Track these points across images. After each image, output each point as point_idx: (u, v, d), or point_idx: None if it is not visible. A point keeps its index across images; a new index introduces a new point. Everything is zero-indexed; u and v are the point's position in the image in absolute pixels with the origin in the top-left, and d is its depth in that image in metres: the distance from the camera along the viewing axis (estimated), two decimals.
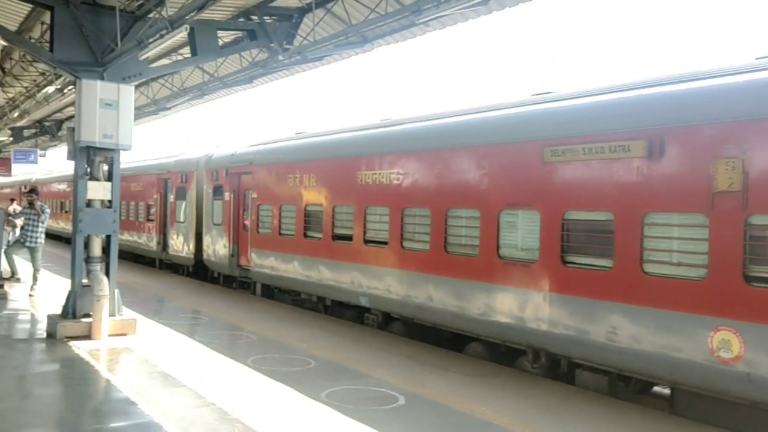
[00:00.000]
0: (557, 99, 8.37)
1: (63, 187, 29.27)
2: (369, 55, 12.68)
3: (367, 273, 10.90)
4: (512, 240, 8.42)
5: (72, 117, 22.69)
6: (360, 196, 11.24)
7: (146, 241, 20.84)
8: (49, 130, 22.37)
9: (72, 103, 18.14)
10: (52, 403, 6.40)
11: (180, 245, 18.55)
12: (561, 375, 7.82)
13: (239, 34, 10.37)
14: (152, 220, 20.44)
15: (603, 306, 7.10)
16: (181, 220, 18.47)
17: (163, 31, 7.36)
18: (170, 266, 19.73)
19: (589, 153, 7.34)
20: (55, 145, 28.52)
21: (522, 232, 8.31)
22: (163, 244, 19.73)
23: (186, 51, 9.59)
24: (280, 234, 13.66)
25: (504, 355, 8.70)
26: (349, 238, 11.52)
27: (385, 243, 10.59)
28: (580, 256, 7.52)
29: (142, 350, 8.43)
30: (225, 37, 10.04)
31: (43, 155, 26.54)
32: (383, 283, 10.49)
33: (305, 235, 12.80)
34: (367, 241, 11.06)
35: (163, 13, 7.56)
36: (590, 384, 7.47)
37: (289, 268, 13.21)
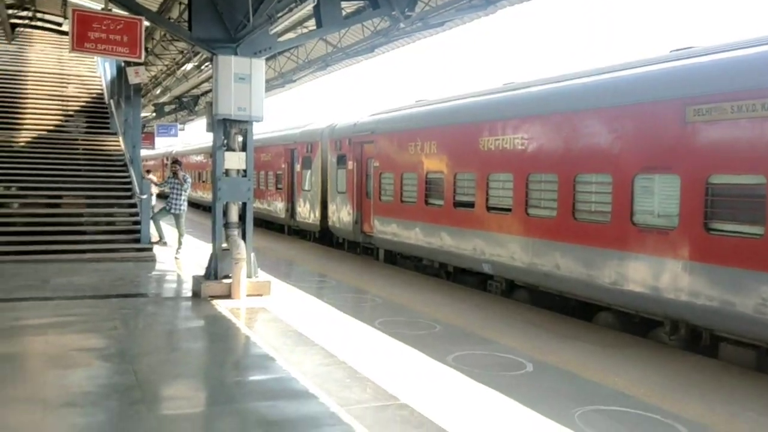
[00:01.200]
0: (700, 54, 7.72)
1: (200, 158, 31.32)
2: (492, 18, 12.35)
3: (490, 240, 10.79)
4: (648, 206, 7.97)
5: (207, 92, 24.16)
6: (482, 162, 11.09)
7: (275, 208, 21.89)
8: (187, 105, 23.96)
9: (207, 79, 19.30)
10: (198, 356, 6.94)
11: (306, 212, 19.31)
12: (703, 348, 7.37)
13: (361, 3, 10.46)
14: (281, 189, 21.41)
15: (752, 276, 6.57)
16: (307, 188, 19.18)
17: (292, 5, 7.57)
18: (297, 232, 20.64)
19: (739, 111, 6.73)
20: (192, 119, 30.55)
21: (659, 198, 7.83)
22: (291, 211, 20.63)
23: (311, 24, 9.83)
24: (401, 201, 13.82)
25: (637, 325, 8.33)
26: (471, 205, 11.43)
27: (509, 210, 10.40)
28: (727, 223, 6.98)
29: (276, 310, 8.91)
30: (348, 7, 10.18)
31: (182, 129, 28.49)
32: (507, 251, 10.35)
33: (426, 203, 12.86)
34: (489, 208, 10.92)
35: None
36: (736, 358, 6.98)
37: (411, 235, 13.36)
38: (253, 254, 9.92)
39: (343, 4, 9.74)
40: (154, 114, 25.41)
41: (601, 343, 7.86)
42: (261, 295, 9.71)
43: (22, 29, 16.55)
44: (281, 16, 8.03)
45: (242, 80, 9.11)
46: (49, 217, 13.37)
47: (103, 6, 9.05)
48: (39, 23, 15.82)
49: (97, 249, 12.85)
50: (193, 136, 39.00)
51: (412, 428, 4.72)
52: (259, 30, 8.68)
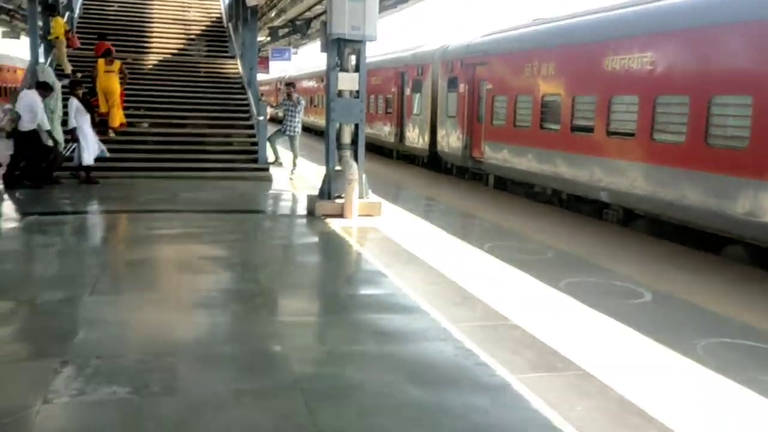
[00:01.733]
0: None
1: (311, 83, 31.78)
2: None
3: (609, 167, 10.27)
4: None
5: (320, 15, 24.16)
6: (604, 84, 10.42)
7: (384, 133, 21.95)
8: (299, 28, 24.14)
9: (319, 2, 19.26)
10: (314, 270, 7.24)
11: (415, 137, 19.22)
12: None
13: None
14: (390, 113, 21.37)
15: None
16: (417, 112, 19.01)
17: None
18: (405, 157, 20.67)
19: None
20: (305, 44, 30.81)
21: None
22: (400, 136, 20.61)
23: None
24: (514, 126, 13.39)
25: None
26: (589, 130, 10.87)
27: (632, 135, 9.79)
28: None
29: (386, 230, 9.05)
30: None
31: (296, 53, 28.84)
32: (627, 178, 9.82)
33: (541, 127, 12.37)
34: (610, 134, 10.34)
35: None
36: None
37: (523, 161, 12.99)
38: (364, 175, 10.05)
39: None
40: (268, 38, 25.87)
41: (730, 277, 7.40)
42: (371, 215, 9.89)
43: None
44: None
45: None
46: (176, 136, 14.15)
47: None
48: None
49: (218, 168, 13.53)
50: (304, 61, 39.47)
51: (523, 348, 4.71)
52: None
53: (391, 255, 7.63)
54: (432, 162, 18.45)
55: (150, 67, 17.07)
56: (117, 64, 13.80)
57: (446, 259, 7.52)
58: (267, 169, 13.92)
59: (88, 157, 11.61)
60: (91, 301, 5.39)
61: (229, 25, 18.89)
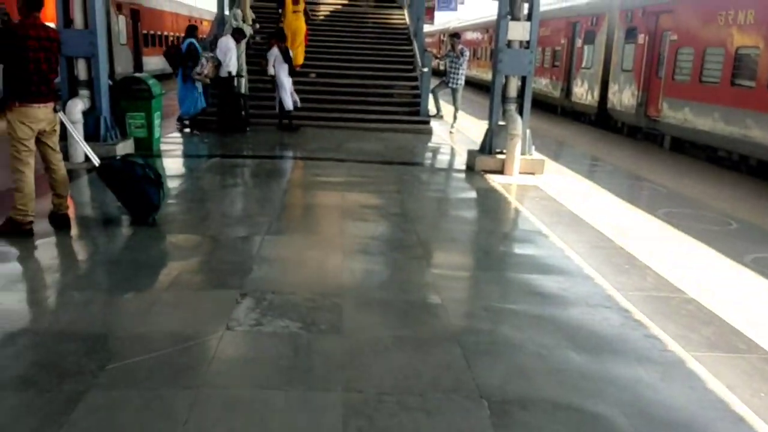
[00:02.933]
0: None
1: (476, 35, 31.09)
2: None
3: None
4: None
5: None
6: None
7: (550, 88, 21.00)
8: None
9: None
10: (471, 225, 7.16)
11: (583, 93, 18.18)
12: None
13: None
14: (557, 67, 20.35)
15: None
16: (587, 66, 17.91)
17: None
18: (571, 114, 19.67)
19: None
20: None
21: None
22: (566, 91, 19.61)
23: None
24: (699, 81, 12.15)
25: None
26: None
27: None
28: None
29: (548, 189, 8.72)
30: None
31: (462, 2, 28.25)
32: None
33: (732, 83, 11.10)
34: None
35: None
36: None
37: (708, 121, 11.79)
38: (528, 131, 9.72)
39: None
40: None
41: None
42: (533, 173, 9.57)
43: None
44: None
45: None
46: (342, 87, 14.58)
47: None
48: None
49: (380, 119, 13.78)
50: (468, 12, 38.59)
51: (699, 324, 4.34)
52: None
53: (553, 215, 7.35)
54: (600, 120, 17.39)
55: (321, 18, 17.63)
56: (302, 3, 14.38)
57: (613, 223, 7.10)
58: (428, 122, 13.94)
59: (289, 103, 12.31)
60: (266, 240, 5.79)
61: None
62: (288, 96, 12.31)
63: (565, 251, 5.86)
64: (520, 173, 9.44)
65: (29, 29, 5.22)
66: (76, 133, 6.96)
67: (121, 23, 21.24)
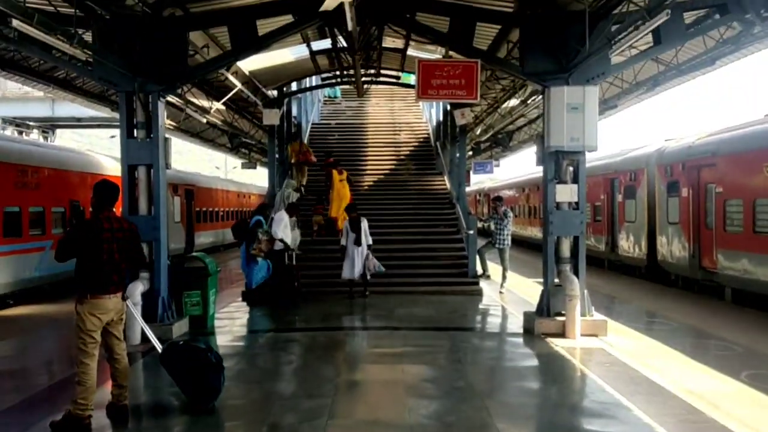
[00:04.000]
0: None
1: (511, 192, 31.85)
2: None
3: None
4: None
5: (521, 128, 24.53)
6: None
7: (593, 242, 20.90)
8: (501, 141, 24.64)
9: (522, 115, 19.56)
10: (542, 398, 6.71)
11: (630, 246, 17.99)
12: None
13: (701, 12, 9.40)
14: (599, 221, 20.40)
15: None
16: (631, 219, 17.90)
17: (638, 22, 7.08)
18: (618, 267, 19.34)
19: None
20: (506, 155, 31.25)
21: None
22: (611, 244, 19.47)
23: (642, 43, 9.13)
24: (754, 232, 11.90)
25: None
26: None
27: None
28: None
29: (615, 352, 8.28)
30: (687, 18, 9.20)
31: (497, 165, 29.31)
32: None
33: None
34: None
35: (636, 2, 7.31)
36: None
37: None
38: (586, 291, 9.46)
39: (684, 15, 8.86)
40: (470, 152, 26.72)
41: None
42: (596, 335, 9.16)
43: (368, 86, 18.93)
44: (624, 37, 7.58)
45: (575, 110, 8.85)
46: (388, 252, 14.73)
47: (444, 54, 9.76)
48: (382, 78, 17.85)
49: (428, 282, 13.72)
50: (502, 172, 39.90)
51: None
52: (594, 56, 8.35)
53: (629, 383, 6.87)
54: (650, 272, 17.00)
55: (365, 187, 18.35)
56: (345, 173, 15.40)
57: (696, 390, 6.57)
58: (477, 283, 13.81)
59: (347, 272, 12.51)
60: (330, 426, 5.45)
61: (437, 144, 19.84)
62: (353, 265, 12.45)
63: (654, 427, 5.36)
64: (582, 335, 9.04)
65: (104, 222, 5.45)
66: (139, 316, 6.99)
67: (176, 203, 22.46)
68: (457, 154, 16.86)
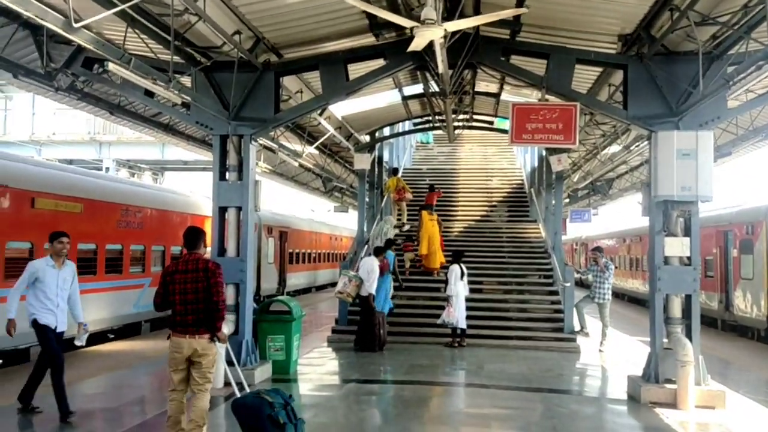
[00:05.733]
0: None
1: (611, 243, 30.23)
2: None
3: None
4: None
5: (623, 174, 23.33)
6: None
7: (704, 299, 19.23)
8: (600, 189, 23.52)
9: (624, 162, 18.54)
10: None
11: (747, 305, 16.35)
12: None
13: None
14: (711, 277, 18.78)
15: None
16: (748, 276, 16.31)
17: (761, 62, 6.35)
18: (733, 328, 17.61)
19: None
20: (605, 204, 29.84)
21: None
22: (725, 303, 17.81)
23: (760, 86, 8.28)
24: None
25: None
26: None
27: None
28: None
29: (736, 429, 7.26)
30: None
31: (596, 214, 28.01)
32: None
33: None
34: None
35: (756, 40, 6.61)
36: None
37: None
38: (701, 357, 8.46)
39: None
40: (567, 199, 25.72)
41: None
42: (713, 407, 8.13)
43: (460, 131, 18.66)
44: (741, 79, 6.87)
45: (686, 156, 8.08)
46: (477, 302, 14.10)
47: (540, 97, 9.32)
48: (474, 123, 17.53)
49: (521, 336, 12.94)
50: (601, 220, 38.11)
51: None
52: (708, 99, 7.61)
53: None
54: None
55: (456, 233, 17.87)
56: (435, 215, 15.67)
57: None
58: (574, 340, 12.88)
59: (460, 320, 12.09)
60: None
61: (531, 190, 19.14)
62: (459, 312, 12.07)
63: None
64: (697, 407, 8.04)
65: (179, 264, 5.76)
66: (223, 360, 6.90)
67: (270, 244, 22.87)
68: (553, 202, 16.10)
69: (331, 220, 40.37)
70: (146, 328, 14.90)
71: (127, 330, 14.19)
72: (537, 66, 9.92)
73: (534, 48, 9.37)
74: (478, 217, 19.35)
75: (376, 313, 11.74)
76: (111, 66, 6.53)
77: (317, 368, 10.56)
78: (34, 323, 6.94)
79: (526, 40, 9.48)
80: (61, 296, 7.07)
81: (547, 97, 9.45)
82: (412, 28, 5.87)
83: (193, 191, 21.28)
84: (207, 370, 5.63)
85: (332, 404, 8.22)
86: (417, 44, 6.07)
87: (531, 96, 13.24)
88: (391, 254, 13.14)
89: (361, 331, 11.81)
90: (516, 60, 9.93)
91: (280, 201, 38.42)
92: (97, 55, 9.52)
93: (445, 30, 5.88)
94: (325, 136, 15.21)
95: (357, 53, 9.88)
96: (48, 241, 7.29)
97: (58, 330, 7.08)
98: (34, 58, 9.97)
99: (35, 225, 10.90)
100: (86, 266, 12.37)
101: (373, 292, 11.63)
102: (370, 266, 11.73)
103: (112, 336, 13.80)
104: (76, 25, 5.91)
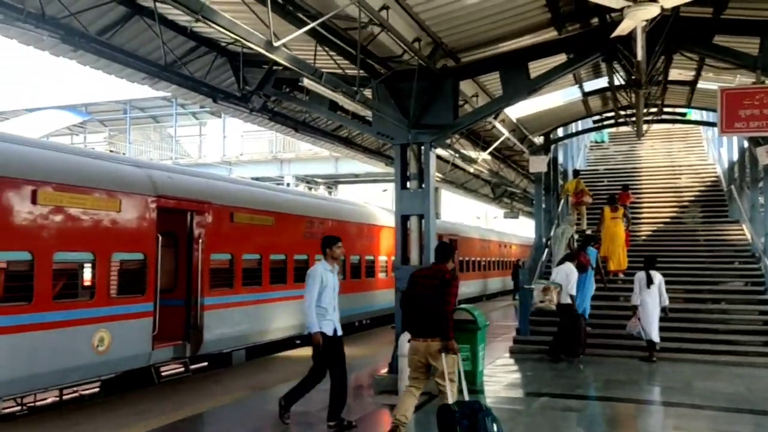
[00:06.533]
0: None
1: None
2: None
3: None
4: None
5: None
6: None
7: None
8: None
9: None
10: None
11: None
12: None
13: None
14: None
15: None
16: None
17: None
18: None
19: None
20: None
21: None
22: None
23: None
24: None
25: None
26: None
27: None
28: None
29: None
30: None
31: None
32: None
33: None
34: None
35: None
36: None
37: None
38: None
39: None
40: None
41: None
42: None
43: (648, 125, 17.30)
44: None
45: None
46: (677, 312, 12.81)
47: (754, 80, 8.22)
48: (664, 116, 16.14)
49: (731, 351, 11.51)
50: None
51: None
52: None
53: None
54: None
55: (642, 237, 16.54)
56: (620, 210, 14.31)
57: None
58: None
59: (652, 333, 11.15)
60: None
61: (731, 187, 17.15)
62: (651, 323, 11.12)
63: None
64: None
65: (420, 272, 6.40)
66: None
67: None
68: (761, 199, 14.26)
69: (498, 227, 39.68)
70: None
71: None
72: (746, 45, 8.80)
73: (744, 25, 8.29)
74: (667, 219, 17.74)
75: (580, 316, 11.11)
76: (306, 81, 6.78)
77: (503, 379, 10.17)
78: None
79: (733, 17, 8.43)
80: (335, 303, 6.96)
81: (763, 79, 8.29)
82: (622, 9, 5.34)
83: (368, 202, 21.97)
84: (441, 373, 5.90)
85: (526, 420, 7.77)
86: (625, 27, 5.53)
87: (733, 82, 11.82)
88: (592, 251, 12.31)
89: (561, 336, 11.18)
90: (720, 40, 8.87)
91: (446, 209, 38.54)
92: (287, 75, 10.14)
93: (662, 8, 5.28)
94: (500, 140, 14.83)
95: (538, 50, 9.46)
96: (323, 246, 7.07)
97: (338, 334, 6.96)
98: (230, 83, 10.82)
99: (234, 238, 11.76)
100: (278, 276, 13.13)
101: (574, 292, 10.97)
102: (569, 269, 11.12)
103: (299, 342, 14.47)
104: (276, 44, 6.20)
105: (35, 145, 9.21)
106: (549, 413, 8.00)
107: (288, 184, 31.75)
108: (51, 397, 9.46)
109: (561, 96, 14.81)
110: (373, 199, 29.32)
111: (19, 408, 8.59)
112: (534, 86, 9.51)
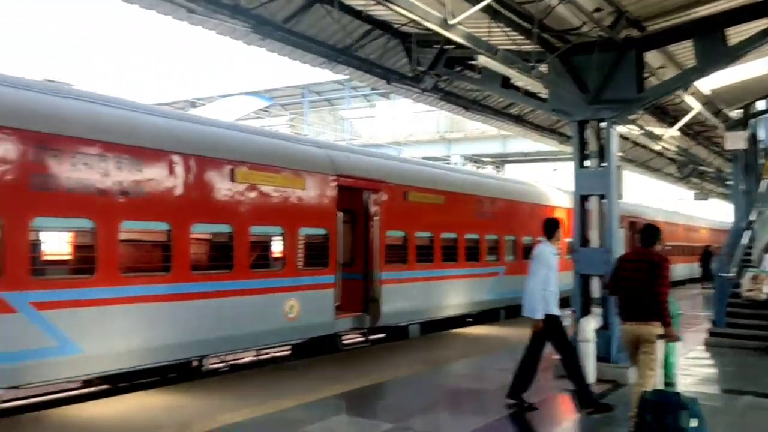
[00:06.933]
0: None
1: None
2: None
3: None
4: None
5: None
6: None
7: None
8: None
9: None
10: None
11: None
12: None
13: None
14: None
15: None
16: None
17: None
18: None
19: None
20: None
21: None
22: None
23: None
24: None
25: None
26: None
27: None
28: None
29: None
30: None
31: None
32: None
33: None
34: None
35: None
36: None
37: None
38: None
39: None
40: None
41: None
42: None
43: None
44: None
45: None
46: None
47: None
48: None
49: None
50: None
51: None
52: None
53: None
54: None
55: None
56: None
57: None
58: None
59: None
60: None
61: None
62: None
63: None
64: None
65: (626, 256, 6.46)
66: (592, 354, 6.69)
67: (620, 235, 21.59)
68: None
69: (684, 209, 36.53)
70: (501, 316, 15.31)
71: (484, 316, 14.80)
72: None
73: None
74: None
75: None
76: (481, 59, 6.74)
77: (698, 373, 9.37)
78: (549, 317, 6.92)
79: None
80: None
81: None
82: None
83: (538, 181, 21.33)
84: (648, 357, 5.86)
85: (729, 420, 7.03)
86: None
87: None
88: None
89: None
90: None
91: (626, 189, 36.11)
92: (459, 54, 10.12)
93: None
94: (691, 115, 13.57)
95: (738, 14, 8.49)
96: (550, 229, 7.22)
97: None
98: (402, 65, 11.03)
99: (407, 215, 12.11)
100: (449, 254, 13.29)
101: None
102: None
103: (470, 320, 14.55)
104: (451, 22, 6.22)
105: (231, 127, 10.15)
106: (756, 414, 7.26)
107: (455, 164, 31.85)
108: (249, 357, 10.51)
109: (763, 64, 13.12)
110: (543, 179, 28.42)
111: (222, 365, 9.63)
112: (734, 55, 8.59)
